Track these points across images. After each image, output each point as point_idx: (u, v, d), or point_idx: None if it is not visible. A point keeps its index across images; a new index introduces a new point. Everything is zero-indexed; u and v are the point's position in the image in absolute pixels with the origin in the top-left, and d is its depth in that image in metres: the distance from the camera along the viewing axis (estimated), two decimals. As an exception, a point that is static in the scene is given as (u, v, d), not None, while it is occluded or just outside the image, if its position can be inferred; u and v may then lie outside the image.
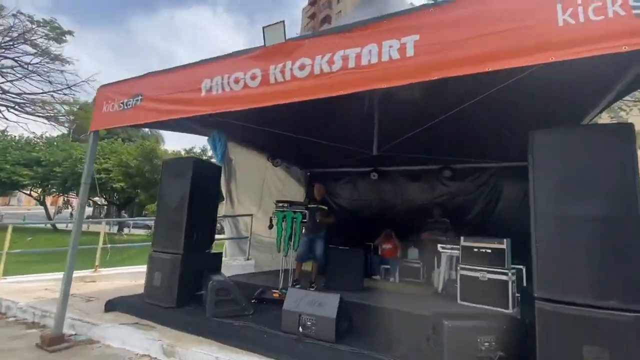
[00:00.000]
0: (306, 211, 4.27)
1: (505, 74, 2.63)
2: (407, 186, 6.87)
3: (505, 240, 4.42)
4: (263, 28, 2.46)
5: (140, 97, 3.07)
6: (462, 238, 4.76)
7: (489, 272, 4.34)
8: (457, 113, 4.10)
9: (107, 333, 3.09)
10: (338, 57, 2.14)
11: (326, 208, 5.05)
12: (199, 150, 23.39)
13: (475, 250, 4.56)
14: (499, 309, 4.15)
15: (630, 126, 1.98)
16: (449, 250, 5.15)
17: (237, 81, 2.53)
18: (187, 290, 3.52)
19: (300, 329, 2.70)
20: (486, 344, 2.22)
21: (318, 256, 5.03)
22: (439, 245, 5.28)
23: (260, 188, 6.47)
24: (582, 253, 1.97)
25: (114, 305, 3.56)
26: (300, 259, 4.79)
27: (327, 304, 2.72)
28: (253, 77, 2.46)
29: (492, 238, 4.54)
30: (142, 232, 22.45)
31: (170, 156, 24.18)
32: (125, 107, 3.16)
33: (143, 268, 5.57)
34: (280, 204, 4.35)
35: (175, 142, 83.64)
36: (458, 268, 4.62)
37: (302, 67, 2.26)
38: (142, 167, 17.78)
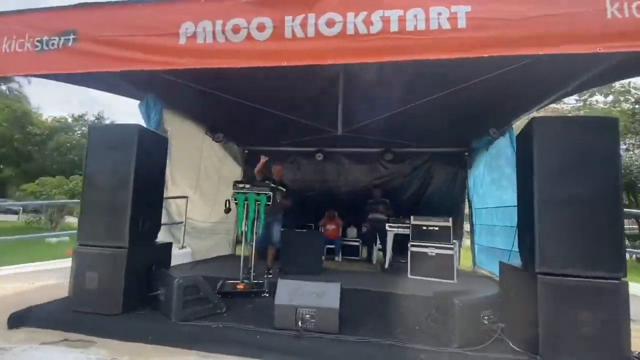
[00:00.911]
0: (270, 193, 3.88)
1: (495, 66, 2.75)
2: (351, 168, 6.97)
3: (450, 218, 4.87)
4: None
5: (73, 36, 2.20)
6: (412, 217, 5.06)
7: (436, 247, 4.74)
8: (414, 100, 4.21)
9: (24, 358, 2.25)
10: (377, 17, 1.86)
11: (284, 190, 4.73)
12: (92, 118, 19.31)
13: (424, 228, 4.91)
14: (445, 280, 4.60)
15: (616, 120, 2.27)
16: (395, 229, 5.45)
17: (236, 30, 2.01)
18: (135, 291, 2.82)
19: (300, 324, 2.43)
20: (486, 317, 2.37)
21: (275, 240, 4.72)
22: (386, 225, 5.53)
23: (198, 167, 5.67)
24: (573, 232, 2.22)
25: (22, 319, 2.62)
26: (260, 244, 4.39)
27: (328, 294, 2.51)
28: (260, 28, 1.98)
29: (439, 217, 4.96)
30: (11, 218, 17.54)
31: (55, 124, 19.26)
32: (46, 48, 2.24)
33: (37, 266, 4.34)
34: (241, 185, 3.84)
35: (54, 106, 66.26)
36: (409, 245, 4.92)
37: (330, 24, 1.91)
38: (9, 136, 13.74)
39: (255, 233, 3.79)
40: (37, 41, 2.43)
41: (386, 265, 5.49)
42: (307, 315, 2.46)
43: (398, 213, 5.75)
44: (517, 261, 2.73)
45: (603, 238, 2.18)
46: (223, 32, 2.06)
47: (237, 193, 3.80)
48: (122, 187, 2.84)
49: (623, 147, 13.26)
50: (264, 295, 3.43)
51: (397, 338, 2.40)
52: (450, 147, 6.43)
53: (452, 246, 4.70)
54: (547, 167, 2.28)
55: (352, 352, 2.25)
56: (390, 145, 6.51)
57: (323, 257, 6.30)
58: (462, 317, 2.28)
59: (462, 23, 1.79)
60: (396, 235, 5.55)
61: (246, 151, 7.11)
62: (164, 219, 5.20)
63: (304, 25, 1.94)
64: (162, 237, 5.26)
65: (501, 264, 2.92)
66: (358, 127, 4.98)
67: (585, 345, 2.11)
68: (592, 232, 2.19)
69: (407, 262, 5.46)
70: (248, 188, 3.82)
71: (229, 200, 4.02)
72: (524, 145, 2.56)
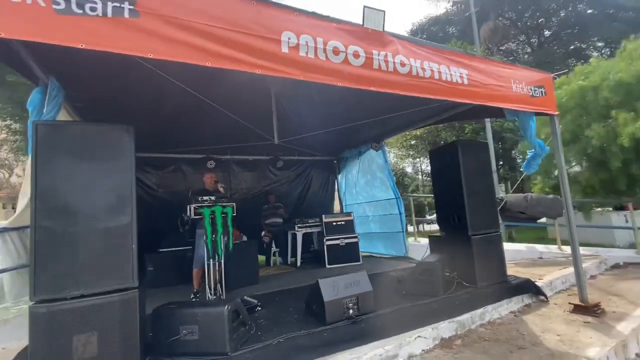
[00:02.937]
0: (234, 203, 3.67)
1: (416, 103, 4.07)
2: (241, 175, 6.95)
3: (352, 212, 6.06)
4: (364, 7, 2.37)
5: (129, 6, 1.67)
6: (323, 216, 5.89)
7: (345, 238, 5.79)
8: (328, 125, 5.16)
9: None
10: (427, 66, 2.62)
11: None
12: None
13: (334, 223, 5.86)
14: (354, 263, 5.71)
15: (486, 144, 4.02)
16: (304, 229, 6.10)
17: (336, 52, 2.21)
18: (145, 343, 2.17)
19: (350, 312, 2.76)
20: (447, 272, 3.56)
21: (202, 259, 4.27)
22: (296, 226, 6.06)
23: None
24: (480, 209, 3.77)
25: None
26: (202, 263, 3.92)
27: (361, 282, 2.95)
28: (356, 55, 2.29)
29: (343, 213, 6.04)
30: None
31: None
32: (78, 11, 1.57)
33: None
34: (203, 198, 3.42)
35: None
36: (324, 240, 5.71)
37: (402, 64, 2.49)
38: None
39: (225, 248, 3.49)
40: None
41: (298, 264, 6.01)
42: (350, 304, 2.82)
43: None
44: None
45: (490, 212, 3.84)
46: (324, 50, 2.17)
47: (202, 207, 3.37)
48: (118, 208, 2.12)
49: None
50: (258, 309, 3.30)
51: (408, 301, 3.19)
52: (324, 156, 7.71)
53: (356, 234, 5.88)
54: (468, 170, 3.74)
55: (400, 317, 2.85)
56: (278, 153, 7.03)
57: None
58: (441, 274, 3.37)
59: (465, 81, 2.85)
60: (294, 236, 6.18)
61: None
62: (17, 259, 3.70)
63: (386, 61, 2.40)
64: (12, 285, 3.78)
65: (431, 237, 4.25)
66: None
67: (490, 273, 3.65)
68: (487, 208, 3.82)
69: (310, 256, 6.26)
70: (211, 200, 3.47)
71: (183, 216, 3.45)
72: (444, 158, 3.96)
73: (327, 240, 5.73)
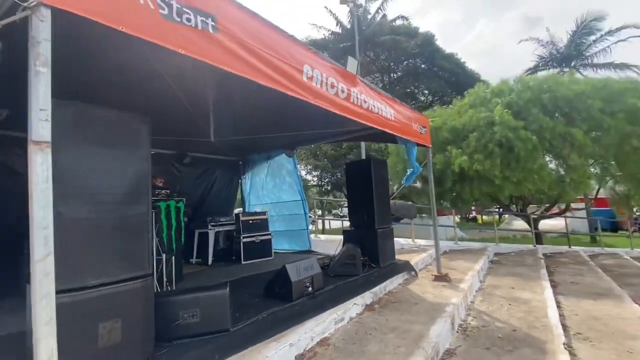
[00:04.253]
0: (184, 198, 3.74)
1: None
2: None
3: (266, 212, 6.55)
4: (348, 56, 3.19)
5: (212, 22, 1.97)
6: (240, 214, 6.17)
7: (260, 235, 6.25)
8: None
9: None
10: (376, 104, 3.65)
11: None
12: None
13: (251, 222, 6.23)
14: (267, 259, 6.24)
15: (385, 161, 5.40)
16: (217, 228, 6.20)
17: (332, 86, 2.93)
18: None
19: (310, 289, 3.42)
20: (361, 256, 4.66)
21: None
22: (209, 225, 6.09)
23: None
24: (367, 207, 5.08)
25: None
26: None
27: (314, 265, 3.65)
28: (342, 90, 3.05)
29: (258, 212, 6.45)
30: None
31: None
32: (177, 19, 1.80)
33: None
34: (161, 192, 3.38)
35: None
36: (241, 237, 6.00)
37: (365, 101, 3.42)
38: None
39: (178, 242, 3.52)
40: (163, 1, 1.62)
41: (209, 262, 6.05)
42: (308, 283, 3.50)
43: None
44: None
45: (387, 212, 5.21)
46: (326, 83, 2.80)
47: (159, 200, 3.34)
48: (136, 196, 2.17)
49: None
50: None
51: (340, 279, 4.07)
52: (231, 156, 7.87)
53: (269, 232, 6.41)
54: (376, 180, 4.98)
55: (339, 291, 3.70)
56: (186, 149, 6.82)
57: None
58: (359, 257, 4.43)
59: (392, 117, 4.02)
60: (202, 234, 6.25)
61: None
62: None
63: (357, 98, 3.25)
64: None
65: (345, 231, 5.30)
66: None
67: (387, 257, 4.98)
68: (386, 209, 5.16)
69: (220, 254, 6.46)
70: (168, 193, 3.46)
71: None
72: (359, 170, 5.11)
73: (244, 237, 6.05)
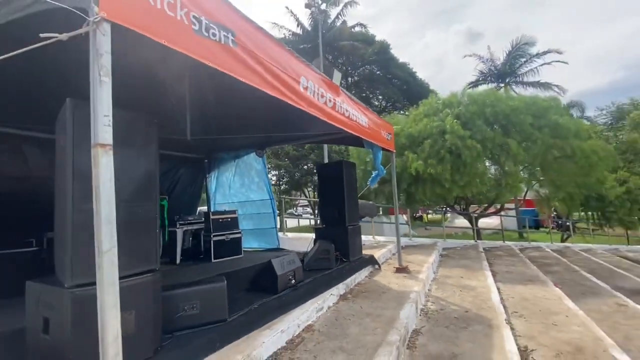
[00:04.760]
0: (167, 196, 3.77)
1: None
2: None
3: (236, 210, 6.61)
4: (334, 69, 3.51)
5: (232, 37, 2.18)
6: (210, 213, 6.17)
7: (230, 233, 6.31)
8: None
9: None
10: (355, 112, 4.03)
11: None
12: None
13: (221, 220, 6.25)
14: (237, 257, 6.32)
15: (355, 164, 5.81)
16: (185, 226, 6.14)
17: (322, 96, 3.24)
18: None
19: (293, 282, 3.68)
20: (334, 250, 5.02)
21: None
22: (177, 224, 6.01)
23: None
24: (335, 204, 5.49)
25: None
26: None
27: (295, 260, 3.91)
28: (330, 100, 3.38)
29: (228, 211, 6.49)
30: None
31: None
32: (205, 33, 1.98)
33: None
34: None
35: None
36: (212, 236, 6.01)
37: (347, 110, 3.78)
38: None
39: (162, 240, 3.55)
40: (195, 18, 1.74)
41: (178, 261, 5.97)
42: (290, 276, 3.76)
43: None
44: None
45: (355, 210, 5.63)
46: (317, 94, 3.08)
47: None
48: (146, 193, 2.28)
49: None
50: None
51: (317, 272, 4.38)
52: (197, 154, 7.76)
53: (239, 230, 6.49)
54: (347, 181, 5.38)
55: (318, 283, 4.01)
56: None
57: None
58: (333, 252, 4.78)
59: (365, 124, 4.43)
60: (170, 233, 6.17)
61: None
62: None
63: (341, 106, 3.58)
64: None
65: (316, 229, 5.61)
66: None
67: (356, 252, 5.41)
68: (354, 207, 5.58)
69: (188, 253, 6.42)
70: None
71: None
72: (331, 171, 5.47)
73: (215, 236, 6.06)
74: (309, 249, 5.10)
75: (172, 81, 3.66)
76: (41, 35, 1.29)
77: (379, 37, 24.57)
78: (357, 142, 5.34)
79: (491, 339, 3.27)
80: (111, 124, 1.37)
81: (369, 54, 22.82)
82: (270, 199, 7.30)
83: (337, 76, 3.56)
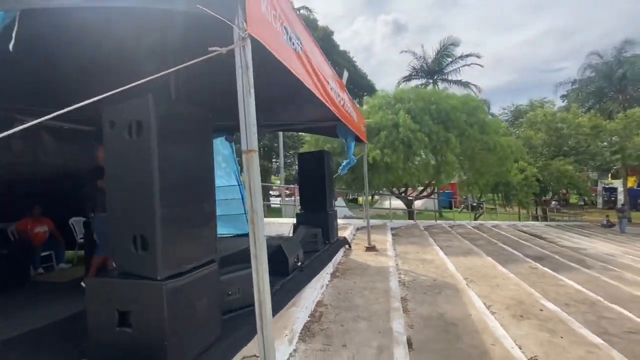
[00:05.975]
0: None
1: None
2: (56, 147, 5.39)
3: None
4: (345, 70, 3.84)
5: (300, 45, 2.39)
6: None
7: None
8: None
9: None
10: (350, 107, 4.43)
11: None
12: None
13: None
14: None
15: (330, 153, 6.22)
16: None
17: (338, 95, 3.57)
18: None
19: (299, 264, 4.02)
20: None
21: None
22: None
23: None
24: (316, 193, 5.93)
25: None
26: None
27: (297, 244, 4.23)
28: (342, 98, 3.72)
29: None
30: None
31: None
32: (288, 42, 2.18)
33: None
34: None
35: None
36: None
37: (349, 106, 4.16)
38: None
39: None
40: (284, 28, 1.86)
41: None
42: (296, 259, 4.09)
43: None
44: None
45: (333, 196, 6.09)
46: (336, 93, 3.39)
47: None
48: (207, 189, 2.38)
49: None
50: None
51: (310, 254, 4.76)
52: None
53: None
54: (327, 168, 5.77)
55: (315, 263, 4.41)
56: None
57: (41, 269, 4.78)
58: (320, 235, 5.21)
59: (355, 117, 4.86)
60: None
61: None
62: None
63: (345, 104, 3.94)
64: None
65: (297, 214, 5.92)
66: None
67: (334, 234, 5.91)
68: (332, 194, 6.03)
69: None
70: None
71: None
72: (312, 160, 5.80)
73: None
74: (291, 233, 5.42)
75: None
76: (210, 48, 1.39)
77: (321, 23, 24.80)
78: (331, 130, 5.76)
79: (462, 299, 4.12)
80: (256, 131, 1.55)
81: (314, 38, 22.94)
82: (239, 185, 7.32)
83: (345, 76, 3.89)
